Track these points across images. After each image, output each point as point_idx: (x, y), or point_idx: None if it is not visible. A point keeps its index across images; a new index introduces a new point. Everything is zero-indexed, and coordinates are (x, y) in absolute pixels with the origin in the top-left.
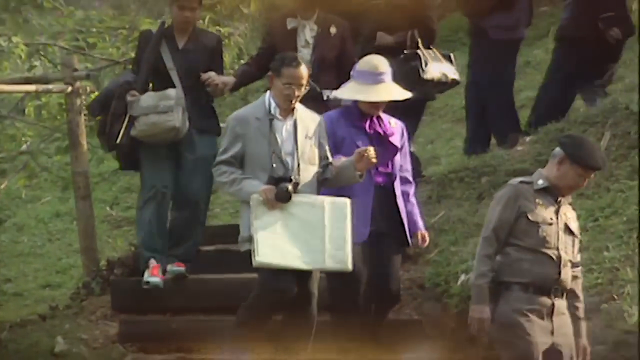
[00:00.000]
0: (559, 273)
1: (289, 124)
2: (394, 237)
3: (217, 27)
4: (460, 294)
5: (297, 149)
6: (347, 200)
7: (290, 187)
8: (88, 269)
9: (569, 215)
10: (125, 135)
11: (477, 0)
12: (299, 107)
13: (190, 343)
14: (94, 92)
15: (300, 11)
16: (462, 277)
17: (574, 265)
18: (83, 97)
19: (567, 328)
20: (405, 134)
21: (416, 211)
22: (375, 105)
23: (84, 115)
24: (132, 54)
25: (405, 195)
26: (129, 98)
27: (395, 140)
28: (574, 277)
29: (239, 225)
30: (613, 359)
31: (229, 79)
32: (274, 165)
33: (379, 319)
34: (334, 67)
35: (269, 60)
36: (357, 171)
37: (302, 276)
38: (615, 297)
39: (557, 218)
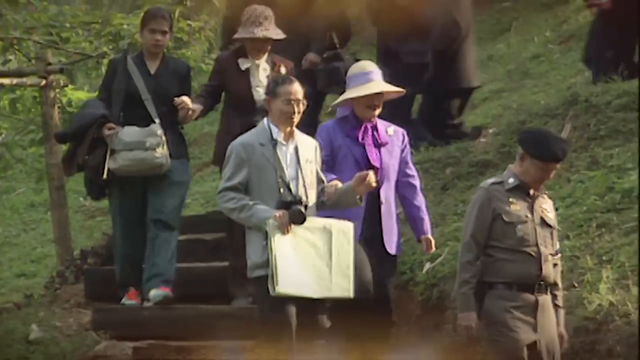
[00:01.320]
0: (540, 269)
1: (291, 148)
2: (378, 243)
3: (188, 22)
4: (425, 282)
5: (301, 173)
6: (351, 225)
7: (302, 209)
8: (62, 258)
9: (544, 206)
10: (108, 169)
11: (392, 25)
12: (297, 132)
13: (162, 330)
14: (67, 85)
15: (252, 52)
16: (427, 266)
17: (554, 254)
18: (57, 90)
19: (551, 323)
20: (406, 140)
21: (421, 215)
22: (371, 105)
23: (58, 107)
24: (105, 48)
25: (409, 200)
26: (106, 132)
27: (389, 149)
28: (554, 265)
29: (208, 214)
30: (573, 345)
31: (198, 107)
32: (282, 190)
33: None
34: None
35: (218, 97)
36: (356, 195)
37: (311, 306)
38: (576, 284)
39: (532, 214)
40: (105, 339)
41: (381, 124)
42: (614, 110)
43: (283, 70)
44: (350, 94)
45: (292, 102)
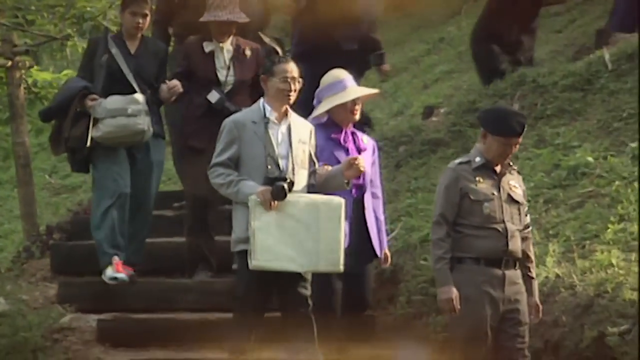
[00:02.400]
0: (507, 245)
1: (283, 127)
2: (363, 248)
3: (152, 6)
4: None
5: (291, 152)
6: (342, 200)
7: (285, 185)
8: (28, 234)
9: (512, 183)
10: (91, 138)
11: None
12: (292, 113)
13: (126, 303)
14: (33, 66)
15: (216, 35)
16: None
17: (524, 228)
18: (22, 71)
19: (520, 295)
20: (377, 150)
21: (383, 229)
22: (351, 109)
23: (24, 88)
24: (69, 30)
25: (376, 211)
26: (89, 102)
27: (368, 155)
28: (525, 239)
29: (170, 191)
30: None
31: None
32: (269, 167)
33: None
34: (249, 87)
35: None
36: (344, 179)
37: (292, 279)
38: None
39: (499, 191)
40: (71, 312)
41: (357, 132)
42: (560, 90)
43: (248, 52)
44: (331, 102)
45: (289, 79)
